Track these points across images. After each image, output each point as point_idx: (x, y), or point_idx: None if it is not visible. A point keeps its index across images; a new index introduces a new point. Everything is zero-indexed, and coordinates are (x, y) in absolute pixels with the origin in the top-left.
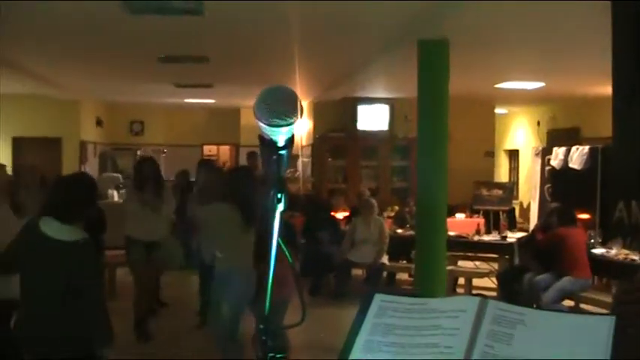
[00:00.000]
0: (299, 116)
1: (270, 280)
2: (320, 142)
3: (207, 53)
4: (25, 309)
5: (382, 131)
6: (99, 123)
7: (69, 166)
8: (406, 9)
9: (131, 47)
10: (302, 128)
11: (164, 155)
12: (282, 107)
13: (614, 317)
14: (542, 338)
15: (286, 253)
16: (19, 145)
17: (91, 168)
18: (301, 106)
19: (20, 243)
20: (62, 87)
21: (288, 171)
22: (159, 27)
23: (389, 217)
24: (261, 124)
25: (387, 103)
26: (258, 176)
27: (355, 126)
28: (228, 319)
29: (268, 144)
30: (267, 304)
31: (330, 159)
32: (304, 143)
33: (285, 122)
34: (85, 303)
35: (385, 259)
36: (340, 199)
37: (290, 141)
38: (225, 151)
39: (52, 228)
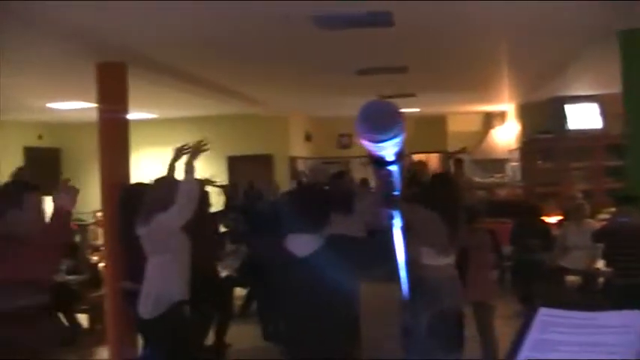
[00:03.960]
0: (401, 130)
1: None
2: (529, 144)
3: (405, 63)
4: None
5: (594, 130)
6: (308, 138)
7: (280, 182)
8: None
9: (327, 62)
10: (511, 131)
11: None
12: (381, 122)
13: None
14: None
15: None
16: (233, 163)
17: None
18: (403, 118)
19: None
20: (267, 105)
21: (497, 176)
22: (352, 41)
23: (603, 221)
24: (364, 141)
25: (595, 101)
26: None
27: (564, 126)
28: None
29: (375, 161)
30: None
31: (539, 162)
32: (513, 147)
33: (386, 137)
34: None
35: (601, 265)
36: (551, 203)
37: (399, 155)
38: (432, 159)
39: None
